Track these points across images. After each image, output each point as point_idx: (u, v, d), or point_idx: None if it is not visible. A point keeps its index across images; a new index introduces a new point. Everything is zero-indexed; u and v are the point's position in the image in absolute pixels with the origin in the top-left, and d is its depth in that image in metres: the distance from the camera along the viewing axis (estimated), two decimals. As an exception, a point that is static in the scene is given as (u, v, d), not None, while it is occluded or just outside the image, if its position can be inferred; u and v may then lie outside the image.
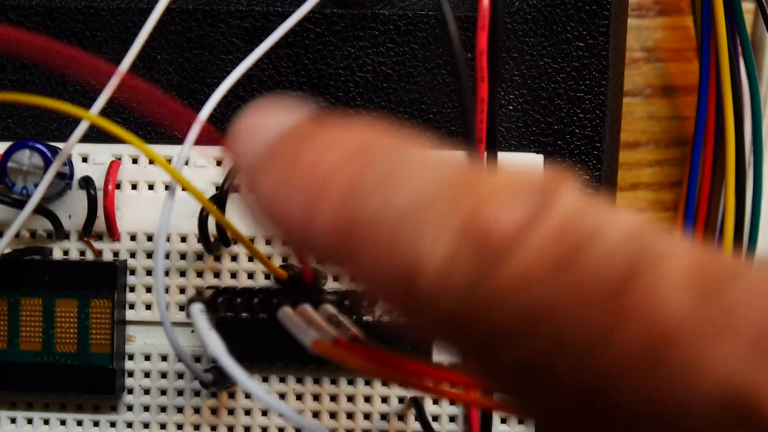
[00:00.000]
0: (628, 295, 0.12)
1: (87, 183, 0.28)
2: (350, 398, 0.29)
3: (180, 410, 0.29)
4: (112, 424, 0.29)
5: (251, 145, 0.15)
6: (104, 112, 0.26)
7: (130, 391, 0.29)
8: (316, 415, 0.29)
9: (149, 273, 0.29)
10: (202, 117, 0.26)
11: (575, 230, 0.13)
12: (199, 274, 0.29)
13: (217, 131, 0.28)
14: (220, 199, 0.28)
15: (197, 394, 0.29)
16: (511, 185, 0.13)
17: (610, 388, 0.12)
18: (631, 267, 0.12)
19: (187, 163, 0.29)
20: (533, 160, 0.28)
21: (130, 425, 0.29)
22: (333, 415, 0.29)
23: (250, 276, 0.29)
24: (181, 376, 0.29)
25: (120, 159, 0.29)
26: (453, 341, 0.14)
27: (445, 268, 0.13)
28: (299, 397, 0.29)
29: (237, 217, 0.28)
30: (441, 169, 0.14)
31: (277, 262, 0.28)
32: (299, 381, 0.29)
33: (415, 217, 0.13)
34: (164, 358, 0.29)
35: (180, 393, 0.29)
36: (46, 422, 0.29)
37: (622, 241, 0.12)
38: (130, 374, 0.29)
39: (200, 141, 0.25)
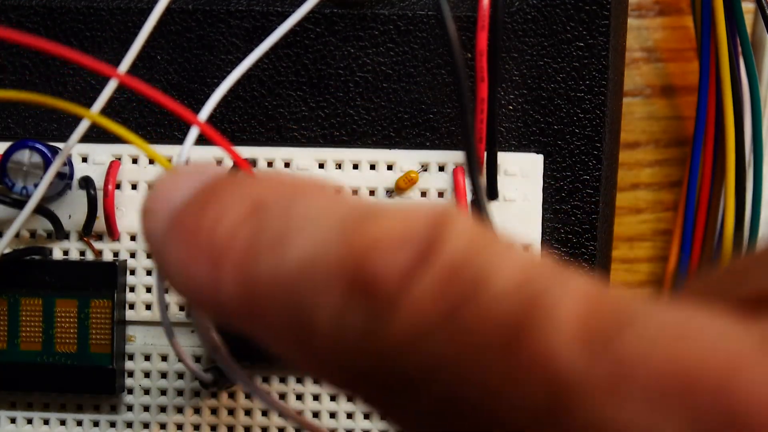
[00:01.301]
0: (522, 348, 0.11)
1: (87, 183, 0.28)
2: (350, 398, 0.29)
3: (180, 410, 0.29)
4: (112, 424, 0.29)
5: (155, 216, 0.16)
6: (104, 112, 0.26)
7: (130, 391, 0.29)
8: (316, 415, 0.29)
9: (149, 273, 0.29)
10: (202, 117, 0.26)
11: (462, 274, 0.12)
12: (199, 274, 0.29)
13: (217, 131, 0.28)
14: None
15: (197, 394, 0.29)
16: (396, 228, 0.13)
17: None
18: (522, 316, 0.12)
19: (187, 163, 0.29)
20: (533, 160, 0.28)
21: (130, 425, 0.29)
22: (333, 415, 0.29)
23: (250, 276, 0.29)
24: (181, 376, 0.29)
25: (120, 159, 0.29)
26: (355, 393, 0.14)
27: (336, 319, 0.13)
28: (299, 397, 0.29)
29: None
30: (331, 215, 0.14)
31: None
32: (299, 381, 0.29)
33: (306, 276, 0.13)
34: (164, 358, 0.29)
35: (180, 393, 0.29)
36: (46, 422, 0.29)
37: (512, 287, 0.12)
38: (130, 374, 0.29)
39: (200, 141, 0.25)
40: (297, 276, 0.13)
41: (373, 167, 0.29)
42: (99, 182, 0.28)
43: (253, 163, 0.29)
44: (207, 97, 0.26)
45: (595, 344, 0.11)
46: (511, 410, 0.11)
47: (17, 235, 0.28)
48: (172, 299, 0.29)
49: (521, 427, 0.11)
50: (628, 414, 0.11)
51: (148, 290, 0.29)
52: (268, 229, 0.14)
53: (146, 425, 0.29)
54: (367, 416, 0.29)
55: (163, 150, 0.28)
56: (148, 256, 0.29)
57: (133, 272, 0.29)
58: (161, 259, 0.15)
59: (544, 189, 0.28)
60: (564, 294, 0.12)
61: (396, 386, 0.12)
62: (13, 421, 0.29)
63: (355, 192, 0.29)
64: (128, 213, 0.29)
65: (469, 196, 0.28)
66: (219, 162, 0.29)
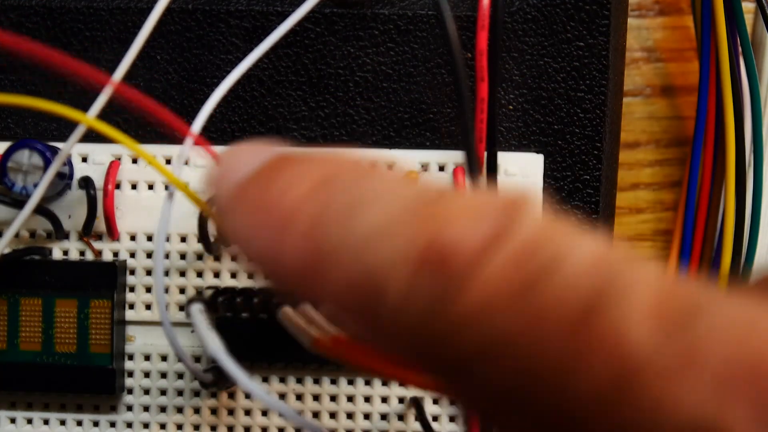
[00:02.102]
0: (593, 326, 0.12)
1: (87, 183, 0.28)
2: (350, 398, 0.29)
3: (180, 410, 0.29)
4: (112, 424, 0.29)
5: (223, 186, 0.16)
6: (104, 112, 0.26)
7: (130, 391, 0.29)
8: (316, 415, 0.29)
9: (149, 273, 0.29)
10: (201, 117, 0.26)
11: (538, 254, 0.12)
12: (199, 274, 0.29)
13: (217, 131, 0.28)
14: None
15: (197, 394, 0.29)
16: (472, 206, 0.13)
17: (579, 418, 0.12)
18: (595, 296, 0.12)
19: (186, 163, 0.29)
20: (533, 160, 0.28)
21: (130, 425, 0.29)
22: (333, 415, 0.29)
23: (250, 276, 0.29)
24: (181, 376, 0.29)
25: (120, 159, 0.29)
26: (419, 362, 0.14)
27: (406, 291, 0.13)
28: (299, 397, 0.29)
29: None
30: (402, 193, 0.14)
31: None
32: (299, 381, 0.29)
33: (377, 243, 0.13)
34: (164, 358, 0.29)
35: (180, 393, 0.29)
36: (46, 422, 0.29)
37: (586, 268, 0.12)
38: (130, 374, 0.29)
39: (200, 141, 0.25)
40: (366, 245, 0.14)
41: (373, 167, 0.29)
42: (99, 182, 0.28)
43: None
44: (207, 97, 0.26)
45: (668, 328, 0.11)
46: (579, 387, 0.12)
47: (17, 235, 0.28)
48: (172, 299, 0.29)
49: (587, 404, 0.12)
50: (696, 396, 0.11)
51: (148, 290, 0.29)
52: (337, 200, 0.14)
53: (146, 425, 0.29)
54: (367, 416, 0.29)
55: (162, 150, 0.28)
56: (149, 256, 0.29)
57: (133, 272, 0.29)
58: (229, 226, 0.16)
59: (544, 189, 0.28)
60: (638, 279, 0.12)
61: (464, 360, 0.13)
62: (13, 421, 0.29)
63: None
64: (128, 213, 0.29)
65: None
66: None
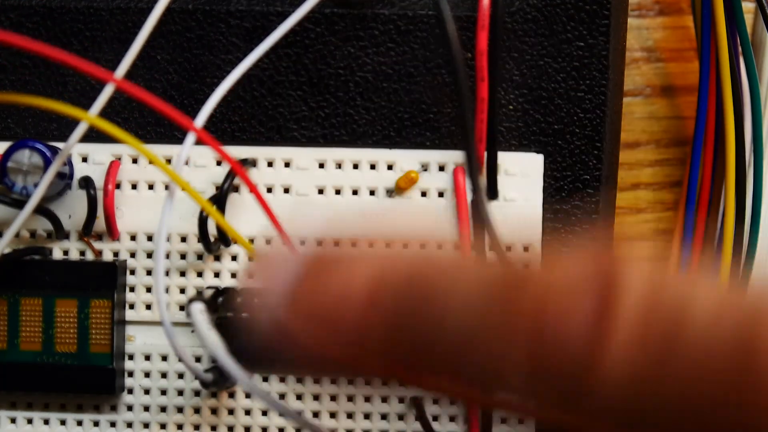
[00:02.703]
0: (756, 365, 0.11)
1: (87, 183, 0.28)
2: (350, 398, 0.29)
3: (180, 410, 0.29)
4: (112, 424, 0.29)
5: (268, 300, 0.15)
6: (104, 112, 0.26)
7: (130, 391, 0.29)
8: (316, 415, 0.29)
9: (149, 273, 0.29)
10: (200, 118, 0.26)
11: (659, 311, 0.11)
12: (199, 274, 0.29)
13: (217, 131, 0.28)
14: (219, 199, 0.28)
15: (197, 394, 0.29)
16: (562, 282, 0.12)
17: None
18: (746, 338, 0.11)
19: (187, 163, 0.29)
20: (533, 160, 0.28)
21: (130, 425, 0.29)
22: (333, 415, 0.29)
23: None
24: (181, 376, 0.29)
25: (120, 159, 0.29)
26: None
27: (526, 393, 0.12)
28: (299, 397, 0.29)
29: (237, 217, 0.28)
30: (479, 282, 0.13)
31: (277, 262, 0.28)
32: (299, 381, 0.29)
33: (475, 348, 0.12)
34: (164, 358, 0.29)
35: (180, 393, 0.29)
36: (46, 422, 0.29)
37: (719, 310, 0.11)
38: (130, 374, 0.29)
39: (200, 141, 0.25)
40: (462, 350, 0.13)
41: (373, 167, 0.29)
42: (99, 182, 0.28)
43: (253, 162, 0.29)
44: (207, 97, 0.26)
45: None
46: (751, 418, 0.11)
47: (17, 235, 0.28)
48: (172, 299, 0.29)
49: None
50: None
51: (148, 290, 0.29)
52: (410, 304, 0.13)
53: (146, 425, 0.29)
54: (367, 416, 0.29)
55: (162, 150, 0.28)
56: (149, 256, 0.29)
57: (133, 272, 0.29)
58: (289, 336, 0.15)
59: (544, 189, 0.28)
60: None
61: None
62: (13, 421, 0.29)
63: (355, 192, 0.29)
64: (128, 213, 0.29)
65: (469, 196, 0.28)
66: (218, 163, 0.29)
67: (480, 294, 0.13)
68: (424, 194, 0.29)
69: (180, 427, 0.29)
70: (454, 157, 0.28)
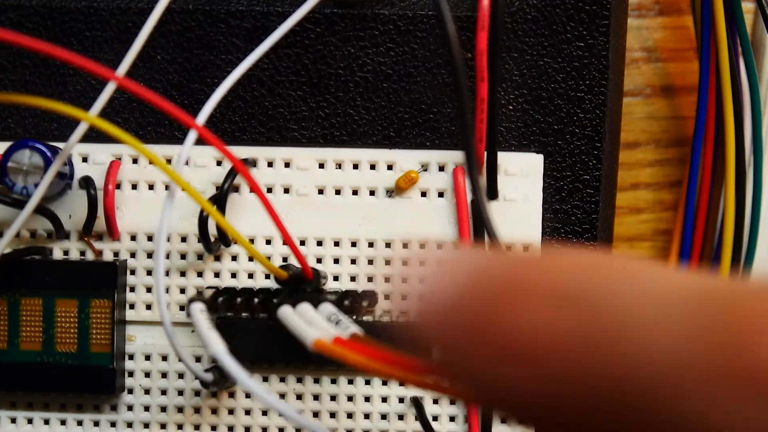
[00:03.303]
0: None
1: (87, 183, 0.28)
2: (350, 398, 0.29)
3: (180, 410, 0.29)
4: (112, 424, 0.29)
5: (428, 314, 0.13)
6: (104, 112, 0.26)
7: (130, 391, 0.29)
8: (316, 415, 0.29)
9: (149, 273, 0.29)
10: (201, 118, 0.26)
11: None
12: (199, 274, 0.29)
13: (217, 131, 0.28)
14: (219, 199, 0.28)
15: (197, 394, 0.29)
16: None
17: None
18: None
19: (187, 163, 0.29)
20: (533, 160, 0.28)
21: (130, 425, 0.29)
22: (333, 415, 0.29)
23: (250, 276, 0.29)
24: (181, 376, 0.29)
25: (120, 159, 0.29)
26: None
27: (729, 422, 0.11)
28: (299, 397, 0.29)
29: (237, 217, 0.28)
30: (672, 302, 0.11)
31: (276, 262, 0.28)
32: (299, 381, 0.29)
33: (665, 375, 0.11)
34: (164, 358, 0.29)
35: (180, 393, 0.29)
36: (46, 422, 0.29)
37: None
38: (130, 374, 0.29)
39: (200, 141, 0.25)
40: (647, 375, 0.11)
41: (373, 167, 0.29)
42: (99, 182, 0.28)
43: (253, 162, 0.29)
44: (207, 97, 0.26)
45: None
46: None
47: (17, 235, 0.28)
48: (172, 299, 0.29)
49: None
50: None
51: (148, 290, 0.29)
52: (588, 321, 0.12)
53: (146, 425, 0.29)
54: (367, 416, 0.29)
55: (163, 150, 0.28)
56: (149, 256, 0.29)
57: (133, 272, 0.29)
58: (451, 356, 0.13)
59: (544, 189, 0.28)
60: None
61: None
62: (13, 420, 0.29)
63: (355, 192, 0.29)
64: (128, 213, 0.29)
65: (469, 196, 0.28)
66: (218, 163, 0.29)
67: (672, 308, 0.11)
68: (424, 194, 0.29)
69: (180, 427, 0.29)
70: (454, 157, 0.28)
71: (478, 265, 0.13)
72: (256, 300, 0.28)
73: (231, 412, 0.29)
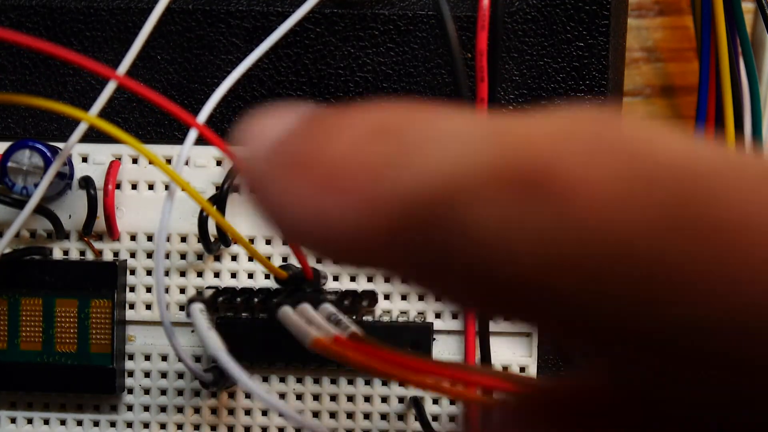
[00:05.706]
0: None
1: (87, 183, 0.28)
2: (350, 398, 0.29)
3: (180, 410, 0.29)
4: (112, 424, 0.29)
5: (254, 148, 0.13)
6: (104, 112, 0.26)
7: (130, 391, 0.29)
8: (316, 415, 0.29)
9: (149, 273, 0.29)
10: (201, 117, 0.26)
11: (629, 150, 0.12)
12: (199, 274, 0.29)
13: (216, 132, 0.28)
14: (219, 199, 0.28)
15: (197, 394, 0.29)
16: (554, 125, 0.12)
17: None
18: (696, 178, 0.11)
19: (187, 163, 0.29)
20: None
21: (130, 425, 0.29)
22: (333, 415, 0.29)
23: (250, 276, 0.29)
24: (181, 376, 0.29)
25: (120, 159, 0.29)
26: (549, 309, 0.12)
27: (503, 232, 0.11)
28: (299, 397, 0.29)
29: (237, 217, 0.28)
30: (469, 129, 0.12)
31: (276, 262, 0.28)
32: (299, 381, 0.29)
33: (454, 187, 0.12)
34: (164, 358, 0.29)
35: (180, 393, 0.29)
36: (46, 422, 0.29)
37: (676, 152, 0.12)
38: (130, 374, 0.29)
39: (200, 141, 0.25)
40: (442, 188, 0.12)
41: (373, 167, 0.29)
42: (99, 182, 0.28)
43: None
44: (207, 97, 0.26)
45: None
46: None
47: (17, 235, 0.28)
48: (172, 299, 0.29)
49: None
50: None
51: (148, 290, 0.29)
52: (393, 146, 0.12)
53: (146, 425, 0.29)
54: (367, 416, 0.29)
55: (162, 150, 0.28)
56: (149, 256, 0.29)
57: (133, 272, 0.29)
58: (264, 196, 0.13)
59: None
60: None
61: (597, 272, 0.11)
62: (13, 420, 0.29)
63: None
64: (128, 213, 0.29)
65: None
66: (218, 163, 0.29)
67: (467, 133, 0.12)
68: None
69: (180, 427, 0.29)
70: (454, 157, 0.28)
71: (305, 111, 0.14)
72: (256, 300, 0.28)
73: (231, 412, 0.29)
